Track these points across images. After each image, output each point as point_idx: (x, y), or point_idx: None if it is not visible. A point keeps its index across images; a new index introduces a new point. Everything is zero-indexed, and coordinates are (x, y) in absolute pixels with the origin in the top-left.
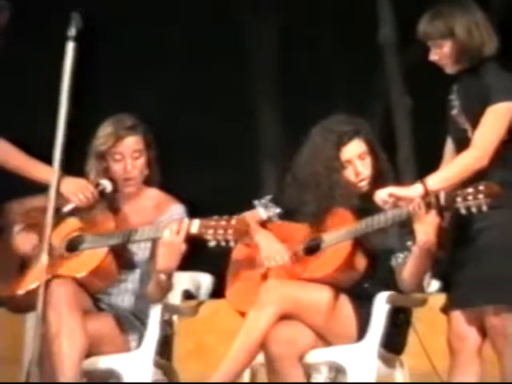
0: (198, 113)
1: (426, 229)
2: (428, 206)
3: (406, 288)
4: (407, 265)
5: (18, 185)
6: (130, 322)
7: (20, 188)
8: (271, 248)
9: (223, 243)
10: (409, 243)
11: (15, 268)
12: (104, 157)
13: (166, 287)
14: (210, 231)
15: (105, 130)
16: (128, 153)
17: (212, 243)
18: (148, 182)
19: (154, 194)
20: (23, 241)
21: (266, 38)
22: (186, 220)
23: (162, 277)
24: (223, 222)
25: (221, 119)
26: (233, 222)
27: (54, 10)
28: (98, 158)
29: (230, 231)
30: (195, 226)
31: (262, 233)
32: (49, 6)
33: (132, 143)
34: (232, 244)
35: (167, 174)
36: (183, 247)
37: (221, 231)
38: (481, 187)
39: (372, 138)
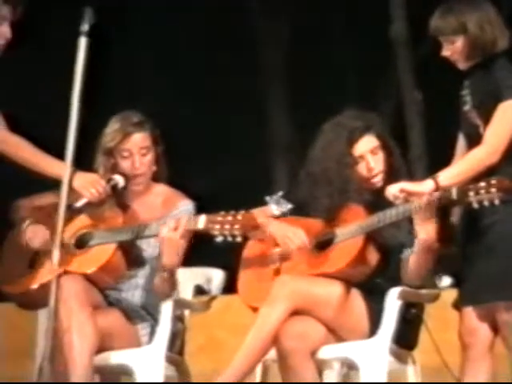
0: (210, 108)
1: (427, 227)
2: (428, 204)
3: (407, 283)
4: (410, 261)
5: (29, 182)
6: (141, 317)
7: (30, 185)
8: (288, 232)
9: (230, 238)
10: (416, 239)
11: (25, 264)
12: (112, 153)
13: (169, 284)
14: (217, 226)
15: (112, 127)
16: (135, 150)
17: (219, 238)
18: (156, 177)
19: (162, 190)
20: (33, 235)
21: (276, 35)
22: (185, 216)
23: (164, 274)
24: (230, 218)
25: (231, 114)
26: (239, 217)
27: (66, 5)
28: (105, 155)
29: (236, 226)
30: (202, 221)
31: (275, 223)
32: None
33: (139, 140)
34: (239, 239)
35: (178, 170)
36: (182, 243)
37: (227, 226)
38: (493, 181)
39: (384, 133)
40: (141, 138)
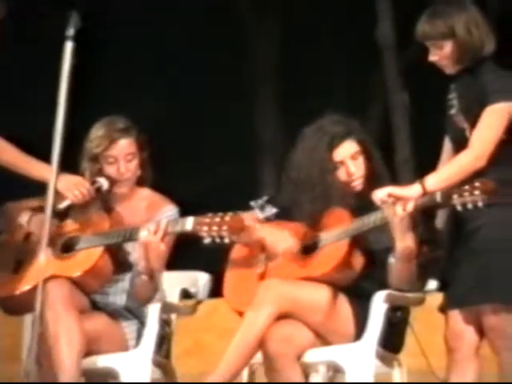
0: (197, 112)
1: (405, 236)
2: (401, 212)
3: (393, 287)
4: (391, 268)
5: (15, 187)
6: (127, 321)
7: (17, 191)
8: (275, 235)
9: (218, 240)
10: None
11: (10, 269)
12: (97, 159)
13: (150, 288)
14: (205, 228)
15: (97, 133)
16: (121, 156)
17: (207, 240)
18: (140, 182)
19: (146, 194)
20: (39, 225)
21: (266, 37)
22: (166, 220)
23: (144, 277)
24: (217, 219)
25: (218, 117)
26: (227, 218)
27: (52, 9)
28: (91, 160)
29: (224, 227)
30: (189, 223)
31: (262, 226)
32: (47, 4)
33: (125, 146)
34: (227, 240)
35: (164, 174)
36: (162, 247)
37: (215, 228)
38: (476, 184)
39: (365, 138)
40: (126, 144)
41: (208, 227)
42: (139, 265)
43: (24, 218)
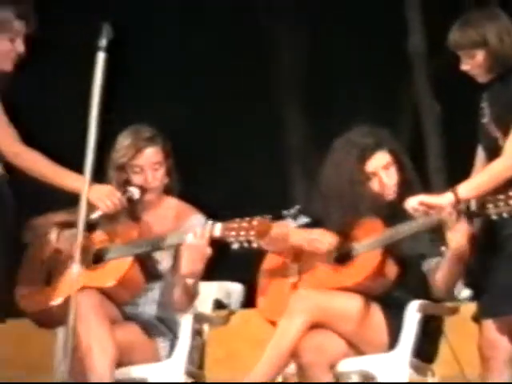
0: (223, 120)
1: (458, 237)
2: (459, 214)
3: (437, 294)
4: (439, 271)
5: (45, 200)
6: (159, 330)
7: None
8: (313, 235)
9: (246, 244)
10: (442, 248)
11: (41, 281)
12: (124, 169)
13: (192, 293)
14: (233, 233)
15: (123, 142)
16: (148, 165)
17: (235, 245)
18: (167, 190)
19: (173, 203)
20: (68, 242)
21: (294, 47)
22: (210, 223)
23: (189, 281)
24: (245, 224)
25: (246, 124)
26: (254, 222)
27: (84, 19)
28: (117, 170)
29: (251, 232)
30: (218, 228)
31: (296, 230)
32: (80, 15)
33: (151, 155)
34: (255, 245)
35: (191, 181)
36: (208, 251)
37: (243, 232)
38: (511, 193)
39: (396, 148)
40: (153, 152)
41: (236, 232)
42: (183, 269)
43: (52, 235)
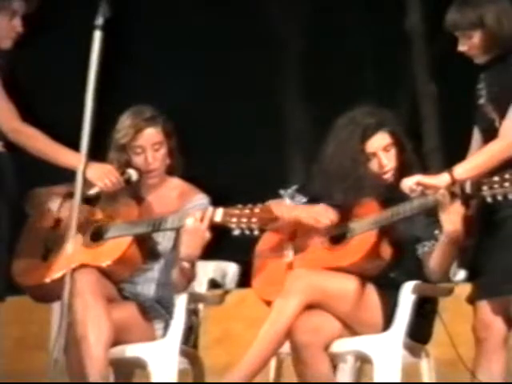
0: (224, 103)
1: (453, 218)
2: (453, 195)
3: (432, 277)
4: (434, 254)
5: (45, 172)
6: (155, 310)
7: (46, 176)
8: (314, 209)
9: (247, 231)
10: (436, 232)
11: (39, 256)
12: (125, 150)
13: (190, 276)
14: (234, 219)
15: (124, 123)
16: (148, 145)
17: (236, 231)
18: (170, 171)
19: (176, 183)
20: (68, 211)
21: (292, 27)
22: (210, 208)
23: (186, 264)
24: (247, 211)
25: (246, 108)
26: (256, 210)
27: None
28: (118, 151)
29: (253, 219)
30: (219, 214)
31: (295, 206)
32: None
33: (151, 135)
34: (256, 232)
35: (193, 163)
36: (207, 235)
37: (244, 219)
38: (507, 175)
39: (397, 130)
40: (153, 133)
41: (237, 219)
42: (181, 252)
43: (54, 204)
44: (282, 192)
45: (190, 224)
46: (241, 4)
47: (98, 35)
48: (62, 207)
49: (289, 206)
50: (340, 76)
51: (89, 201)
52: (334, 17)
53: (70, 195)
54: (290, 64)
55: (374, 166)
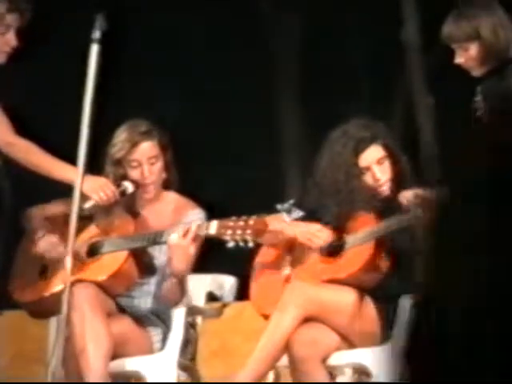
0: (221, 113)
1: None
2: None
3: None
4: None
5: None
6: (153, 323)
7: (43, 192)
8: (310, 229)
9: (242, 243)
10: None
11: (36, 273)
12: (120, 163)
13: (178, 291)
14: (229, 232)
15: (119, 137)
16: (144, 159)
17: (230, 244)
18: (166, 185)
19: (172, 197)
20: (49, 247)
21: (289, 37)
22: (195, 223)
23: (173, 280)
24: (241, 223)
25: (242, 117)
26: (251, 222)
27: (78, 10)
28: (114, 165)
29: (248, 231)
30: (213, 226)
31: (292, 223)
32: (73, 7)
33: (147, 149)
34: (251, 244)
35: (189, 176)
36: (191, 250)
37: (239, 231)
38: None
39: (390, 142)
40: (149, 147)
41: (232, 231)
42: (168, 268)
43: (37, 236)
44: (278, 207)
45: (174, 240)
46: (240, 14)
47: (94, 49)
48: (41, 242)
49: (286, 224)
50: (336, 86)
51: (84, 217)
52: (330, 28)
53: (61, 217)
54: (285, 74)
55: (368, 179)
